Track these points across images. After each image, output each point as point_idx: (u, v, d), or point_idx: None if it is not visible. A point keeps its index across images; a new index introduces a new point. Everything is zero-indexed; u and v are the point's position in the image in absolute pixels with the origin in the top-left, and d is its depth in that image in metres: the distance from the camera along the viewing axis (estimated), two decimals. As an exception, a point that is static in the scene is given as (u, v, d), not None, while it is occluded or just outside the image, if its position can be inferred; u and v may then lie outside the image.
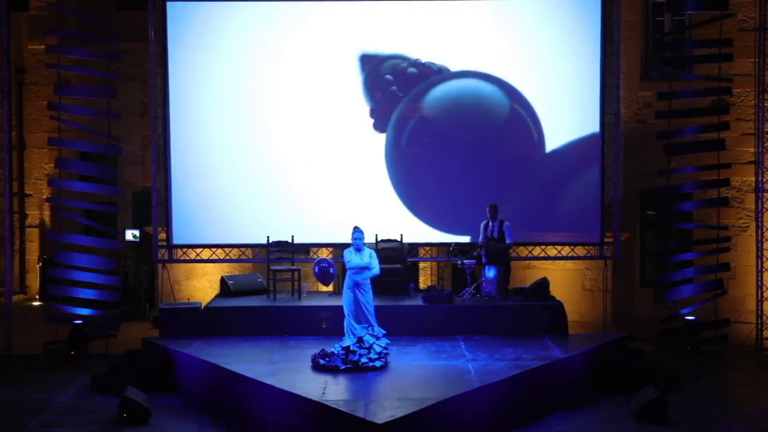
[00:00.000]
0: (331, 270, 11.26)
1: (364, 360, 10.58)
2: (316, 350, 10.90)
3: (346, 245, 11.23)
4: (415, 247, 14.47)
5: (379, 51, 14.08)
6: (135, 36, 15.24)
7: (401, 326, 12.35)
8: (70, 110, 14.16)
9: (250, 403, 10.11)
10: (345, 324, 10.89)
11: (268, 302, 13.17)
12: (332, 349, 10.76)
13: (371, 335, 10.80)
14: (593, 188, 14.08)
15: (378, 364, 10.62)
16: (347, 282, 10.91)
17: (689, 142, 14.10)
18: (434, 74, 14.04)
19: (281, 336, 12.41)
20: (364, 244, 10.97)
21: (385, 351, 10.81)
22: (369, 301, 10.93)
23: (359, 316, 10.87)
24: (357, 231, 10.92)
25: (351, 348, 10.62)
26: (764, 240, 14.01)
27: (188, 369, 11.50)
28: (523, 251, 14.38)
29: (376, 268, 10.93)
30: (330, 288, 13.98)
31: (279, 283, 13.43)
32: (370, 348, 10.66)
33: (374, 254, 11.03)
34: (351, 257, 10.88)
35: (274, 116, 14.18)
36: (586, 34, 14.01)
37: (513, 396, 10.13)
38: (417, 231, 14.15)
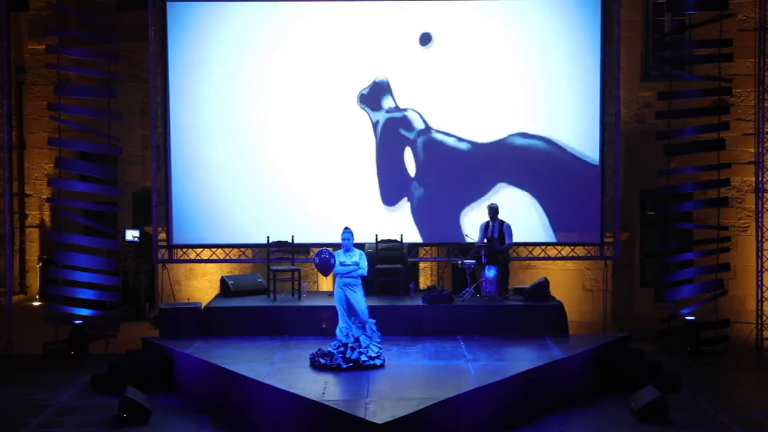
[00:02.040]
0: (332, 260, 11.27)
1: (364, 358, 10.61)
2: (314, 350, 10.92)
3: (345, 245, 11.26)
4: (415, 247, 14.48)
5: (377, 51, 14.09)
6: (135, 36, 15.25)
7: (401, 326, 12.37)
8: (70, 110, 14.17)
9: (251, 403, 10.11)
10: (339, 324, 10.93)
11: (268, 302, 13.17)
12: (329, 348, 10.79)
13: (366, 336, 10.82)
14: (593, 188, 14.08)
15: (378, 362, 10.67)
16: (338, 282, 10.99)
17: (689, 142, 14.10)
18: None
19: (281, 336, 12.42)
20: (354, 245, 11.03)
21: (380, 350, 10.84)
22: (359, 299, 10.95)
23: (351, 314, 10.90)
24: (346, 231, 11.05)
25: (350, 345, 10.66)
26: (764, 240, 14.01)
27: (188, 369, 11.50)
28: (523, 251, 14.38)
29: (364, 268, 11.00)
30: (329, 287, 13.93)
31: (279, 283, 13.43)
32: (367, 347, 10.68)
33: (363, 254, 11.12)
34: (338, 259, 10.95)
35: (273, 116, 14.18)
36: (586, 34, 14.02)
37: (513, 396, 10.13)
38: (416, 231, 14.18)
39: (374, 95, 14.11)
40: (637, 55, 15.22)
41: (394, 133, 14.15)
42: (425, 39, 13.90)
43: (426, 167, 14.17)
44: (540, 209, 14.09)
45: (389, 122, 14.14)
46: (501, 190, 14.04)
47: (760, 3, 14.00)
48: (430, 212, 14.18)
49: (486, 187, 14.06)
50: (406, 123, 14.12)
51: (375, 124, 14.14)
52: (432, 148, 14.14)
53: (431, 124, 14.10)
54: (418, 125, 14.09)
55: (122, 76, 15.18)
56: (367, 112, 14.11)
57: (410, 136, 14.13)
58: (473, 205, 14.01)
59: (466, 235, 13.40)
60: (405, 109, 14.11)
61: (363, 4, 14.12)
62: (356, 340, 10.72)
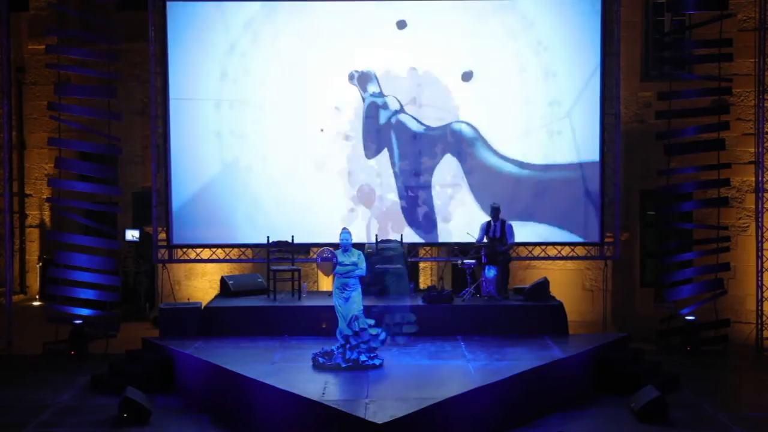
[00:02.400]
0: (334, 260, 11.33)
1: (363, 358, 10.63)
2: (317, 350, 10.95)
3: (345, 245, 11.27)
4: (415, 247, 14.48)
5: (376, 52, 14.11)
6: (135, 36, 15.24)
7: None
8: (70, 110, 14.17)
9: (251, 403, 10.11)
10: (338, 326, 10.95)
11: (268, 302, 13.17)
12: (332, 347, 10.83)
13: (356, 331, 10.81)
14: (593, 188, 14.09)
15: (377, 362, 10.68)
16: (336, 282, 10.99)
17: (689, 142, 14.10)
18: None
19: (281, 336, 12.42)
20: (352, 245, 11.05)
21: (376, 348, 10.85)
22: (357, 300, 10.96)
23: (348, 314, 10.90)
24: (344, 232, 11.06)
25: (348, 346, 10.71)
26: (764, 240, 14.01)
27: (188, 369, 11.50)
28: (523, 251, 14.38)
29: (362, 269, 11.01)
30: (329, 287, 13.93)
31: (279, 283, 13.43)
32: (360, 346, 10.71)
33: (362, 255, 11.15)
34: (339, 258, 10.98)
35: (273, 115, 14.18)
36: (586, 34, 14.02)
37: (513, 396, 10.13)
38: (417, 231, 14.19)
39: (363, 80, 14.18)
40: (637, 55, 15.22)
41: (376, 111, 14.21)
42: (400, 24, 14.13)
43: (402, 143, 14.27)
44: (540, 209, 14.16)
45: (373, 104, 14.20)
46: (501, 189, 14.08)
47: (760, 3, 14.00)
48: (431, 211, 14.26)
49: (486, 186, 14.10)
50: (386, 105, 14.25)
51: (363, 100, 14.20)
52: (403, 129, 14.25)
53: (415, 115, 14.27)
54: (394, 107, 14.23)
55: (122, 76, 15.17)
56: (359, 90, 14.18)
57: (386, 116, 14.21)
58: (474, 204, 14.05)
59: (467, 233, 13.43)
60: (387, 95, 14.21)
61: (362, 4, 14.15)
62: (347, 341, 10.75)
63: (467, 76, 14.11)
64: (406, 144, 14.24)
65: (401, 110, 14.20)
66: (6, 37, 14.10)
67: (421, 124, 14.20)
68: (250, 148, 14.21)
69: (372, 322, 11.04)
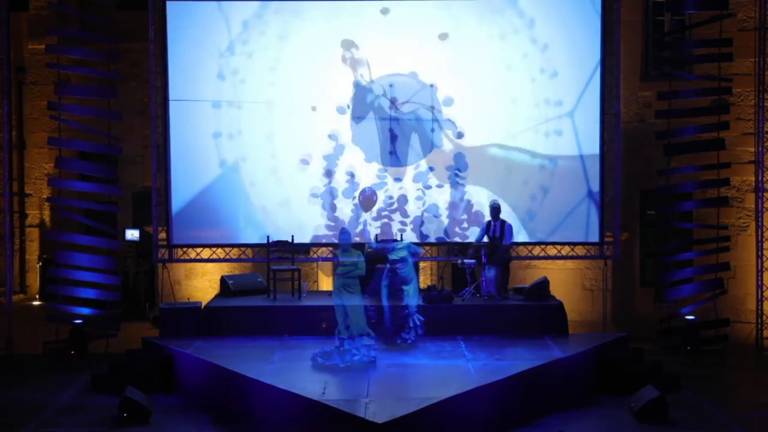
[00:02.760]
0: (374, 198, 11.21)
1: (357, 356, 10.66)
2: (316, 350, 10.96)
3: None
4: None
5: (375, 51, 14.12)
6: (135, 36, 15.23)
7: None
8: (70, 110, 14.17)
9: (251, 403, 10.12)
10: (338, 326, 10.99)
11: (268, 302, 13.18)
12: (331, 348, 10.85)
13: (352, 335, 10.84)
14: (593, 187, 14.08)
15: (373, 357, 10.73)
16: (335, 283, 11.01)
17: (689, 142, 14.10)
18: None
19: (281, 336, 12.42)
20: (352, 245, 11.06)
21: (374, 351, 10.90)
22: (357, 302, 10.95)
23: (346, 319, 10.90)
24: (343, 232, 11.07)
25: (346, 346, 10.76)
26: (764, 239, 14.01)
27: (188, 369, 11.50)
28: (523, 251, 14.38)
29: (362, 268, 11.04)
30: (329, 286, 13.95)
31: (279, 283, 13.43)
32: (363, 348, 10.74)
33: (361, 255, 11.22)
34: (339, 258, 11.04)
35: (273, 115, 14.18)
36: (586, 34, 14.02)
37: (513, 396, 10.14)
38: (416, 230, 14.21)
39: (354, 66, 14.14)
40: (637, 55, 15.22)
41: (364, 97, 14.20)
42: (399, 21, 14.14)
43: (398, 141, 14.25)
44: (540, 208, 14.17)
45: (362, 89, 14.17)
46: (501, 188, 14.10)
47: (760, 3, 14.00)
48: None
49: (486, 186, 14.12)
50: (374, 93, 14.25)
51: (360, 95, 14.18)
52: (399, 125, 14.23)
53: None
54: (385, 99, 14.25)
55: (122, 76, 15.17)
56: (356, 84, 14.17)
57: (383, 111, 14.22)
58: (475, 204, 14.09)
59: (463, 231, 13.44)
60: (374, 82, 14.18)
61: (362, 4, 14.14)
62: (341, 342, 10.77)
63: (464, 73, 14.10)
64: (404, 141, 14.22)
65: (397, 106, 14.17)
66: (6, 37, 14.10)
67: (420, 121, 14.19)
68: (250, 147, 14.20)
69: (372, 334, 11.04)
